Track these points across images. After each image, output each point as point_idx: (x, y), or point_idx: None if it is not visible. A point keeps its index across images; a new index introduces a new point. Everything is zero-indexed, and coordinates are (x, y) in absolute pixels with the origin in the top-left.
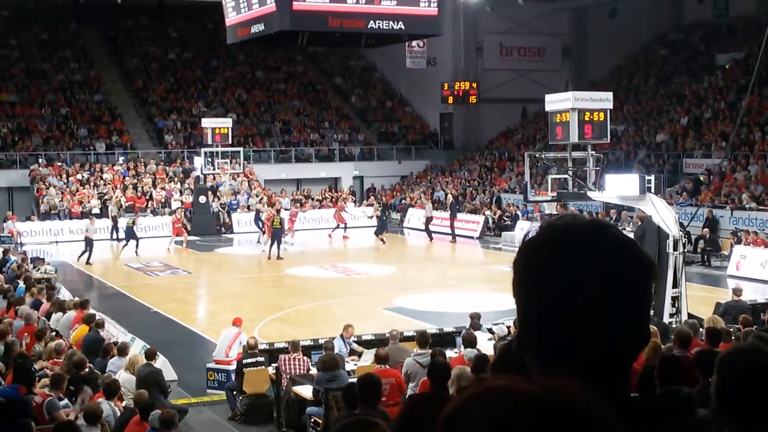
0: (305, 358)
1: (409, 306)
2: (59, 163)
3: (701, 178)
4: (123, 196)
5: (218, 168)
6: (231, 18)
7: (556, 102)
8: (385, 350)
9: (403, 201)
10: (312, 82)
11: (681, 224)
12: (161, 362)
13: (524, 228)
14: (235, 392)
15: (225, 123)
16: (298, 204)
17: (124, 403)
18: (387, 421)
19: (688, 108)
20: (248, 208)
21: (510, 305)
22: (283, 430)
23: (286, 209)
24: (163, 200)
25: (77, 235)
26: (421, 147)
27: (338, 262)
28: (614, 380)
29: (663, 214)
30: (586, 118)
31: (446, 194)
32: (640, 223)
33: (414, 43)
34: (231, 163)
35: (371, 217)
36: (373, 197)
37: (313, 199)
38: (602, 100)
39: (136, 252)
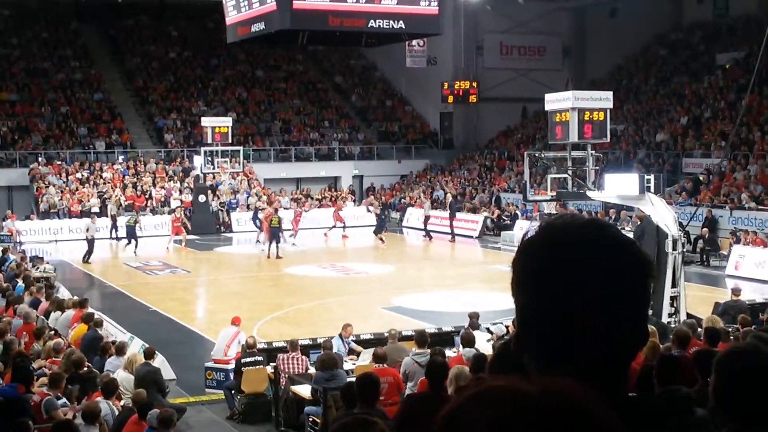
0: (304, 357)
1: (407, 305)
2: (59, 162)
3: (701, 178)
4: (122, 194)
5: (218, 167)
6: (231, 17)
7: (556, 101)
8: (383, 349)
9: (403, 200)
10: (312, 81)
11: (680, 224)
12: (160, 361)
13: (523, 227)
14: (233, 391)
15: (225, 122)
16: (303, 203)
17: (122, 402)
18: (385, 421)
19: (688, 108)
20: (248, 207)
21: (509, 305)
22: (281, 429)
23: (286, 208)
24: (162, 199)
25: (76, 234)
26: (421, 146)
27: (337, 262)
28: (613, 380)
29: (662, 213)
30: (586, 118)
31: (446, 193)
32: (639, 223)
33: (414, 42)
34: (231, 162)
35: (369, 211)
36: (372, 196)
37: (312, 199)
38: (602, 100)
39: (134, 252)
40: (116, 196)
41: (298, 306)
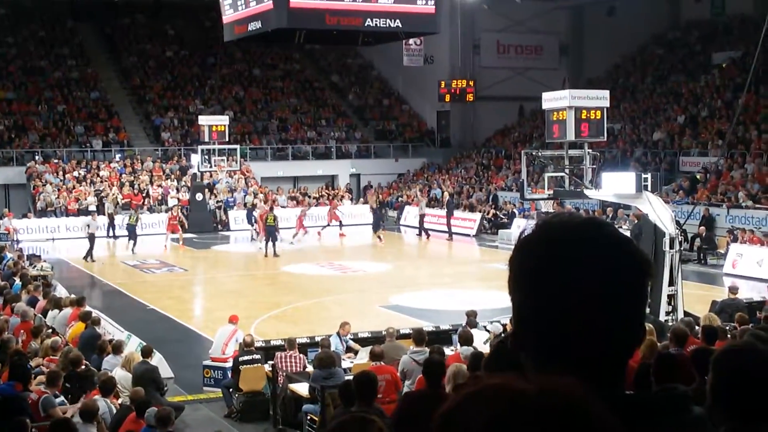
0: (301, 355)
1: (405, 303)
2: (56, 161)
3: (698, 176)
4: (120, 193)
5: (215, 165)
6: (228, 15)
7: (553, 100)
8: (381, 347)
9: (400, 199)
10: (309, 80)
11: (677, 222)
12: (157, 359)
13: (520, 226)
14: (231, 389)
15: (222, 120)
16: (303, 202)
17: (120, 401)
18: (383, 419)
19: (685, 106)
20: (245, 205)
21: (506, 303)
22: (279, 427)
23: (282, 207)
24: (159, 198)
25: (74, 232)
26: (418, 145)
27: (334, 260)
28: (610, 378)
29: (659, 212)
30: (583, 116)
31: (443, 192)
32: (636, 222)
33: (411, 41)
34: (228, 160)
35: (365, 203)
36: (371, 191)
37: (309, 197)
38: (599, 98)
39: (132, 250)
40: (113, 194)
41: (296, 304)
